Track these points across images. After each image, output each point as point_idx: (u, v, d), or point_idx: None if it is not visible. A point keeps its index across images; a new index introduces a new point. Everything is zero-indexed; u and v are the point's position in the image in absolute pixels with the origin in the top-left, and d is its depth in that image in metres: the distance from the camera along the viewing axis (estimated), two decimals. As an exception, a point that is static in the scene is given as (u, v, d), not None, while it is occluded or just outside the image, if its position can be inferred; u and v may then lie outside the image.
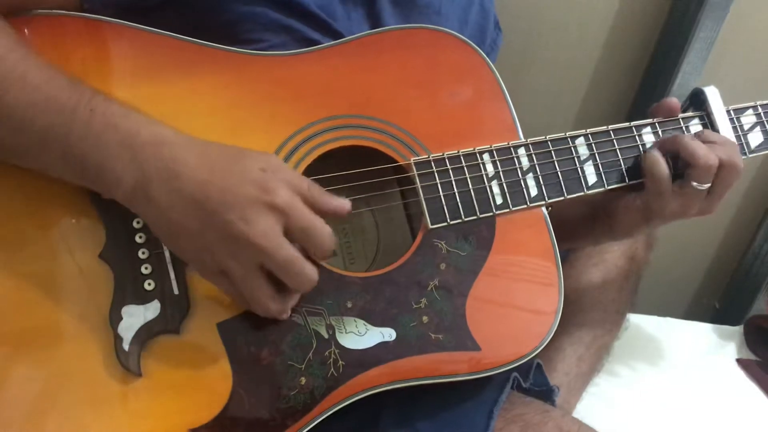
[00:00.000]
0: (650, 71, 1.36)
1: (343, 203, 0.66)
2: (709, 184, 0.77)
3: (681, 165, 0.78)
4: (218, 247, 0.61)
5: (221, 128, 0.70)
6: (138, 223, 0.67)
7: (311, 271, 0.63)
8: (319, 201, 0.64)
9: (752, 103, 0.85)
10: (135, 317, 0.65)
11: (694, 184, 0.77)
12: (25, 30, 0.67)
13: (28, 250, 0.65)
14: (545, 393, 0.82)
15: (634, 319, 1.28)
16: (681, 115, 0.83)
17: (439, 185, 0.74)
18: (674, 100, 0.82)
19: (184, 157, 0.61)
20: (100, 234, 0.66)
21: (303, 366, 0.68)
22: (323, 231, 0.63)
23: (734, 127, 0.84)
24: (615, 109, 1.43)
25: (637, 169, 0.80)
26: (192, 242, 0.62)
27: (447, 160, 0.75)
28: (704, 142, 0.78)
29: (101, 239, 0.66)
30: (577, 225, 0.89)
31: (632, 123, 0.81)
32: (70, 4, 0.71)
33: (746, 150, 0.84)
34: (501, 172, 0.76)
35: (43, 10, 0.69)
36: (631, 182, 0.80)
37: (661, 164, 0.77)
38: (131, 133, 0.62)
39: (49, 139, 0.62)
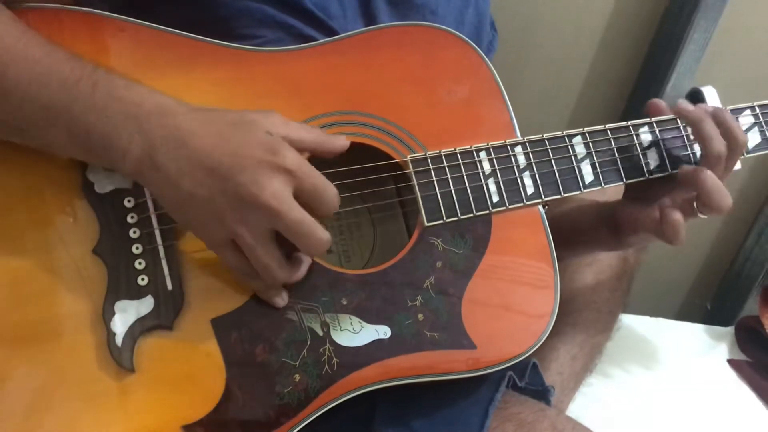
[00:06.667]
0: (645, 71, 1.37)
1: (343, 140, 0.69)
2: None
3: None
4: (228, 213, 0.61)
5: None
6: (132, 218, 0.67)
7: (323, 233, 0.63)
8: (324, 145, 0.67)
9: (749, 104, 0.85)
10: (128, 312, 0.65)
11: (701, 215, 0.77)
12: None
13: (20, 244, 0.65)
14: (541, 392, 0.82)
15: (627, 319, 1.28)
16: (679, 115, 0.83)
17: (435, 183, 0.74)
18: (661, 102, 0.82)
19: (189, 125, 0.61)
20: (94, 229, 0.66)
21: (297, 363, 0.67)
22: (330, 190, 0.64)
23: (732, 127, 0.84)
24: (610, 108, 1.43)
25: (634, 168, 0.80)
26: (201, 210, 0.62)
27: (444, 158, 0.75)
28: (723, 126, 0.77)
29: (95, 234, 0.66)
30: (584, 237, 0.90)
31: (629, 122, 0.81)
32: (65, -2, 0.70)
33: (744, 151, 0.84)
34: (498, 170, 0.76)
35: (37, 4, 0.68)
36: (627, 182, 0.80)
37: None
38: (135, 103, 0.61)
39: (53, 114, 0.61)
